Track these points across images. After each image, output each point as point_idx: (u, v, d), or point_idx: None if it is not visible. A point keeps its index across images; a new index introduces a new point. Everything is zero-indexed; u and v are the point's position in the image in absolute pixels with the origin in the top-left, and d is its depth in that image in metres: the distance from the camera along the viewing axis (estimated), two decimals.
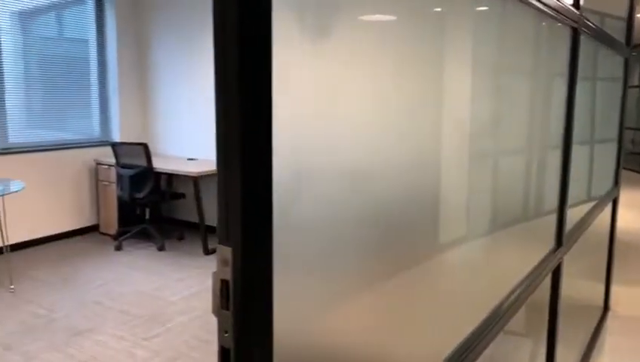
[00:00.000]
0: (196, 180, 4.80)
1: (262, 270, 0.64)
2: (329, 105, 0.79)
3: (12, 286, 4.02)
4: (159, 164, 5.08)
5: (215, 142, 0.64)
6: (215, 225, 4.53)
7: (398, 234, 1.07)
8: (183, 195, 5.36)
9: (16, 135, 4.97)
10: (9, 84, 4.87)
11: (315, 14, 0.72)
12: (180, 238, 5.42)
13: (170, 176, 5.26)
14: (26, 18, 5.08)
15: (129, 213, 5.49)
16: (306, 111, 0.73)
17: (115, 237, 5.34)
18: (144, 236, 5.42)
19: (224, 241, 0.64)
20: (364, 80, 0.91)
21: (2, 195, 3.83)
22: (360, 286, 0.90)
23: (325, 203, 0.78)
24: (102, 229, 5.55)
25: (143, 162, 4.92)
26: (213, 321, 3.52)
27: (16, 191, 4.00)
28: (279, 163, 0.66)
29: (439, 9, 1.21)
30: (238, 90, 0.60)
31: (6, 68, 4.83)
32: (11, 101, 4.90)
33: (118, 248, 5.04)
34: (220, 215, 0.64)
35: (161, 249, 5.05)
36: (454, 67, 1.29)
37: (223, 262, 0.64)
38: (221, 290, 0.65)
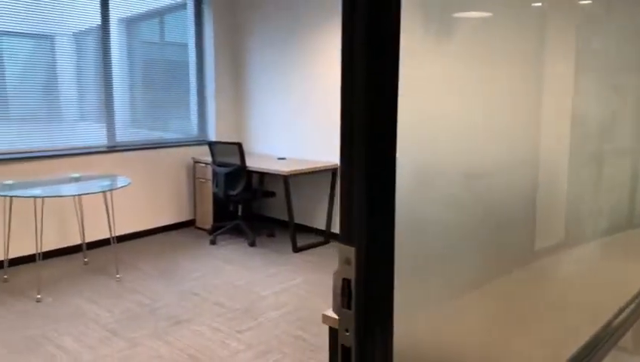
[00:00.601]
0: (286, 179, 4.91)
1: (384, 270, 0.64)
2: (448, 105, 0.78)
3: (118, 276, 4.32)
4: (252, 163, 5.25)
5: (340, 141, 0.65)
6: (304, 223, 4.61)
7: (510, 234, 1.03)
8: (273, 193, 5.51)
9: (122, 134, 5.33)
10: (117, 87, 5.24)
11: (440, 13, 0.71)
12: (270, 235, 5.57)
13: (262, 175, 5.42)
14: (131, 24, 5.44)
15: (223, 209, 5.72)
16: (427, 112, 0.73)
17: (210, 232, 5.58)
18: (237, 232, 5.63)
19: (347, 241, 0.64)
20: (481, 79, 0.88)
21: (111, 190, 4.13)
22: (474, 287, 0.88)
23: (443, 203, 0.77)
24: (198, 224, 5.83)
25: (237, 161, 5.10)
26: (303, 318, 3.59)
27: (123, 187, 4.30)
28: (401, 164, 0.65)
29: (548, 4, 1.15)
30: (364, 90, 0.61)
31: (114, 71, 5.20)
32: (118, 102, 5.27)
33: (213, 242, 5.27)
34: (343, 215, 0.65)
35: (252, 245, 5.21)
36: (565, 65, 1.23)
37: (345, 261, 0.65)
38: (342, 289, 0.65)
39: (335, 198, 5.37)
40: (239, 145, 5.03)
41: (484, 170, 0.92)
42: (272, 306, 3.78)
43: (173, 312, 3.66)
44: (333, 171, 5.31)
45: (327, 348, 3.14)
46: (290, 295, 4.00)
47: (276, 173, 4.92)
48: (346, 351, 0.65)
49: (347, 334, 0.65)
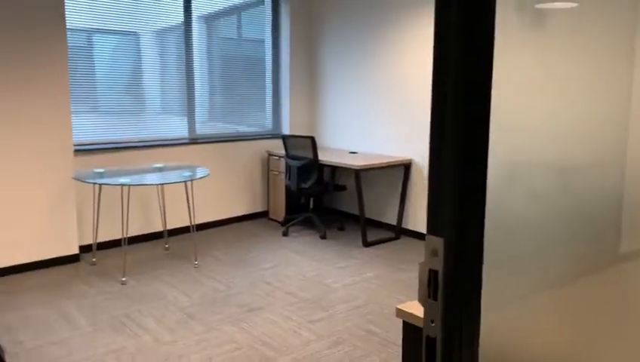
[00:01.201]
0: (358, 173, 4.92)
1: (473, 262, 0.64)
2: (541, 98, 0.76)
3: (196, 262, 4.51)
4: (324, 157, 5.30)
5: (429, 134, 0.65)
6: (374, 218, 4.60)
7: (597, 233, 0.99)
8: (344, 187, 5.54)
9: (201, 127, 5.54)
10: (197, 82, 5.44)
11: (532, 2, 0.69)
12: (340, 228, 5.61)
13: (334, 168, 5.47)
14: (210, 21, 5.63)
15: (295, 201, 5.82)
16: (520, 104, 0.71)
17: (283, 224, 5.70)
18: (308, 224, 5.71)
19: (435, 232, 0.65)
20: (574, 71, 0.85)
21: (191, 180, 4.31)
22: (560, 285, 0.86)
23: (534, 199, 0.75)
24: (271, 215, 5.96)
25: (309, 154, 5.17)
26: (374, 312, 3.60)
27: (203, 178, 4.47)
28: (493, 156, 0.64)
29: None
30: (457, 83, 0.61)
31: (195, 67, 5.41)
32: (198, 97, 5.48)
33: (285, 234, 5.37)
34: (431, 207, 0.65)
35: (323, 237, 5.27)
36: None
37: (432, 253, 0.65)
38: (429, 280, 0.66)
39: (408, 194, 5.32)
40: (312, 139, 5.10)
41: (577, 164, 0.89)
42: (342, 299, 3.81)
43: (246, 300, 3.78)
44: (406, 166, 5.26)
45: (398, 342, 3.14)
46: (360, 288, 4.01)
47: (348, 166, 4.94)
48: (431, 341, 0.65)
49: (432, 325, 0.65)
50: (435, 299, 0.66)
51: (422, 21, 5.01)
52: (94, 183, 4.00)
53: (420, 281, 0.68)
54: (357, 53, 5.65)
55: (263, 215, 6.06)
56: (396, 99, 5.32)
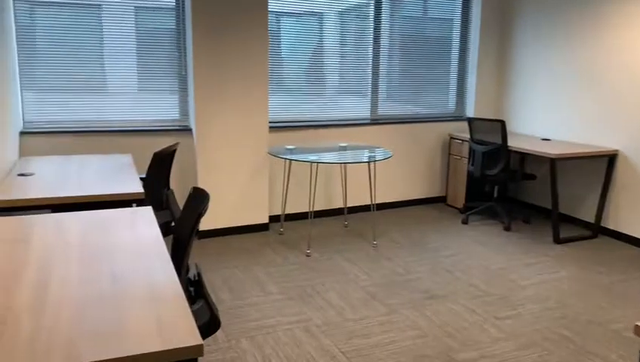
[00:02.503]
0: (554, 162, 4.49)
1: None
2: None
3: (375, 242, 4.54)
4: (513, 143, 4.94)
5: None
6: (566, 212, 4.16)
7: None
8: (533, 176, 5.11)
9: (382, 107, 5.52)
10: (383, 61, 5.42)
11: None
12: (526, 221, 5.21)
13: (523, 156, 5.07)
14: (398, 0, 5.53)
15: (476, 188, 5.55)
16: None
17: (462, 211, 5.48)
18: (489, 214, 5.42)
19: None
20: None
21: (375, 161, 4.31)
22: None
23: None
24: (449, 201, 5.77)
25: (497, 139, 4.86)
26: (568, 316, 3.28)
27: (386, 159, 4.45)
28: None
29: None
30: None
31: (382, 46, 5.39)
32: (382, 77, 5.46)
33: (465, 222, 5.16)
34: None
35: (507, 229, 4.95)
36: None
37: None
38: None
39: (611, 188, 4.73)
40: (502, 123, 4.77)
41: None
42: (532, 298, 3.53)
43: (426, 286, 3.69)
44: (610, 158, 4.67)
45: (600, 354, 2.81)
46: (552, 289, 3.68)
47: (543, 155, 4.54)
48: None
49: None
50: None
51: None
52: (286, 159, 4.21)
53: None
54: (557, 32, 5.12)
55: (440, 200, 5.89)
56: (602, 83, 4.72)
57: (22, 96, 4.12)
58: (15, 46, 4.01)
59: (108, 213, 2.43)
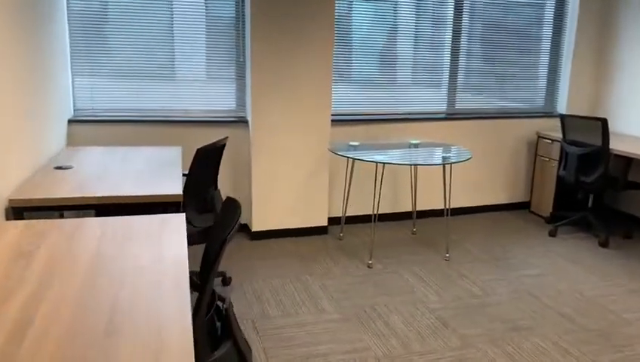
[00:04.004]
0: None
1: None
2: None
3: (447, 255, 3.99)
4: (616, 145, 4.22)
5: None
6: None
7: None
8: (639, 185, 4.36)
9: (460, 100, 4.92)
10: (462, 49, 4.82)
11: None
12: (627, 236, 4.47)
13: (628, 161, 4.32)
14: None
15: (567, 196, 4.85)
16: None
17: (548, 220, 4.81)
18: (582, 225, 4.72)
19: None
20: None
21: (450, 163, 3.76)
22: None
23: None
24: (533, 208, 5.10)
25: (597, 141, 4.16)
26: None
27: (464, 161, 3.87)
28: None
29: None
30: None
31: (462, 32, 4.78)
32: (462, 67, 4.86)
33: (553, 234, 4.49)
34: None
35: (604, 245, 4.25)
36: None
37: None
38: None
39: None
40: (604, 122, 4.07)
41: None
42: (639, 336, 2.90)
43: (508, 313, 3.13)
44: None
45: None
46: None
47: None
48: None
49: None
50: None
51: None
52: (349, 158, 3.75)
53: None
54: None
55: (522, 206, 5.22)
56: None
57: (73, 82, 3.90)
58: (67, 29, 3.77)
59: (134, 219, 2.08)
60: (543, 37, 5.08)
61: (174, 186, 2.59)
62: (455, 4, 4.70)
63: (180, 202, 2.50)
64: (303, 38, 3.99)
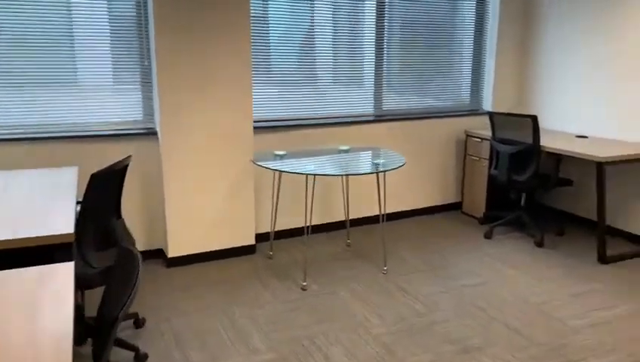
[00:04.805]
0: (601, 167, 3.70)
1: None
2: None
3: (385, 268, 3.72)
4: (546, 141, 4.14)
5: None
6: (608, 223, 3.29)
7: None
8: (570, 182, 4.31)
9: (387, 102, 4.69)
10: (387, 47, 4.58)
11: None
12: (559, 234, 4.43)
13: (559, 158, 4.26)
14: None
15: (499, 195, 4.75)
16: None
17: (482, 221, 4.69)
18: (516, 225, 4.63)
19: None
20: None
21: (384, 171, 3.49)
22: None
23: None
24: (465, 209, 4.97)
25: (527, 138, 4.05)
26: None
27: (399, 168, 3.61)
28: None
29: None
30: None
31: (385, 30, 4.54)
32: (387, 66, 4.62)
33: (488, 236, 4.36)
34: None
35: (539, 245, 4.16)
36: None
37: None
38: None
39: None
40: (533, 119, 3.97)
41: None
42: (590, 347, 2.74)
43: (456, 332, 2.89)
44: None
45: None
46: (613, 332, 2.89)
47: (587, 158, 3.74)
48: None
49: None
50: None
51: None
52: (275, 170, 3.38)
53: None
54: (597, 5, 4.30)
55: (454, 207, 5.09)
56: None
57: None
58: None
59: (2, 276, 1.60)
60: (465, 34, 4.95)
61: (64, 222, 2.11)
62: (377, 1, 4.45)
63: (71, 243, 2.03)
64: (218, 36, 3.56)
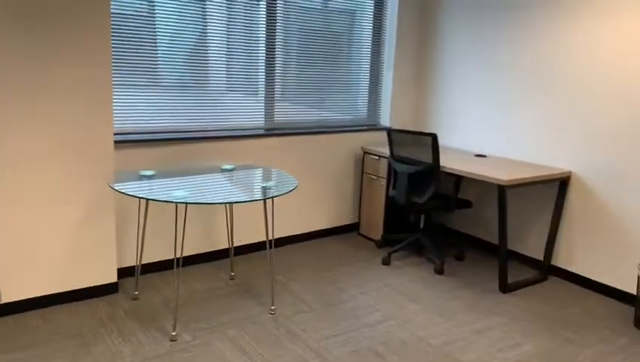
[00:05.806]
0: (503, 191, 3.48)
1: None
2: None
3: (273, 307, 3.22)
4: (445, 161, 3.89)
5: None
6: (510, 247, 2.90)
7: None
8: (469, 203, 4.10)
9: (278, 115, 4.23)
10: (279, 58, 4.12)
11: None
12: (459, 258, 4.20)
13: (458, 178, 4.03)
14: None
15: (397, 216, 4.45)
16: None
17: (379, 244, 4.36)
18: (414, 248, 4.35)
19: None
20: None
21: (272, 197, 3.00)
22: None
23: None
24: (362, 230, 4.62)
25: (427, 158, 3.77)
26: None
27: (289, 192, 3.14)
28: None
29: None
30: None
31: (277, 38, 4.08)
32: (278, 78, 4.16)
33: (386, 262, 4.02)
34: None
35: (439, 272, 3.88)
36: None
37: None
38: None
39: (563, 218, 3.82)
40: (433, 137, 3.68)
41: None
42: None
43: None
44: (562, 181, 3.77)
45: None
46: None
47: (489, 180, 3.50)
48: None
49: None
50: None
51: None
52: (137, 197, 2.75)
53: None
54: (496, 22, 4.14)
55: (351, 228, 4.73)
56: (554, 86, 3.80)
57: None
58: None
59: None
60: (363, 46, 4.62)
61: None
62: (267, 7, 3.97)
63: None
64: (62, 34, 2.88)
